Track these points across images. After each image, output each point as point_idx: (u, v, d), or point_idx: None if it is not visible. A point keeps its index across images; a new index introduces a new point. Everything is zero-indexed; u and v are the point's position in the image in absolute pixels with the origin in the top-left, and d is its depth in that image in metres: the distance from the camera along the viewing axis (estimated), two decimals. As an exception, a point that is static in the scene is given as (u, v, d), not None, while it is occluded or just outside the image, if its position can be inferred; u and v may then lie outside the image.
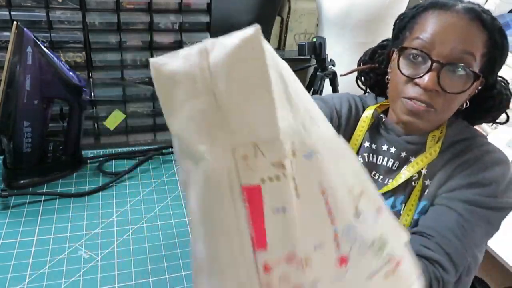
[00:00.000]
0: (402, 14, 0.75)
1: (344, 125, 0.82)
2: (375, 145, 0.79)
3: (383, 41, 0.85)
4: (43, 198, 0.90)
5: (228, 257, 0.33)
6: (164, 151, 1.11)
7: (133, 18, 1.10)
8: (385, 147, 0.78)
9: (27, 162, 0.93)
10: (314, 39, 1.40)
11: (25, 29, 0.84)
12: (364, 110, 0.83)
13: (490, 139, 0.75)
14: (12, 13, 0.99)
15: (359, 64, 0.87)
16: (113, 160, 1.06)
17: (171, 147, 1.10)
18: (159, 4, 1.11)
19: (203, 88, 0.31)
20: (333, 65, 1.52)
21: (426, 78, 0.65)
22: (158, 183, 1.00)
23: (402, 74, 0.68)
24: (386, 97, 0.82)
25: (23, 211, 0.86)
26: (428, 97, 0.66)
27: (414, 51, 0.67)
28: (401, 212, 0.73)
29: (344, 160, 0.36)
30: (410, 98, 0.67)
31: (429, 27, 0.66)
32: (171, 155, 1.11)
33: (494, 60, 0.68)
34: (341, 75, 0.97)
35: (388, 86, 0.76)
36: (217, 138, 0.31)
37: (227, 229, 0.32)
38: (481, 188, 0.67)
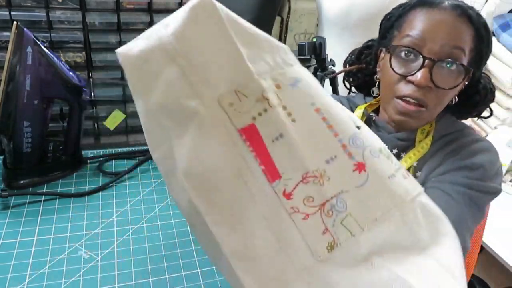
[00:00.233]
0: (389, 13, 0.76)
1: None
2: None
3: (368, 41, 0.86)
4: (43, 198, 0.90)
5: (247, 198, 0.34)
6: (164, 151, 1.11)
7: (133, 18, 1.10)
8: None
9: (27, 162, 0.93)
10: (314, 39, 1.39)
11: (25, 29, 0.84)
12: (352, 110, 0.83)
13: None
14: (12, 13, 0.99)
15: (345, 65, 0.89)
16: (113, 160, 1.06)
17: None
18: (159, 4, 1.11)
19: (173, 54, 0.33)
20: (333, 65, 1.51)
21: (419, 75, 0.65)
22: (158, 183, 1.00)
23: (395, 72, 0.69)
24: (374, 97, 0.83)
25: (23, 211, 0.86)
26: (421, 94, 0.67)
27: (406, 49, 0.67)
28: None
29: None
30: (403, 97, 0.68)
31: (418, 25, 0.67)
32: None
33: (481, 55, 0.70)
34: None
35: (377, 85, 0.77)
36: (203, 93, 0.34)
37: (238, 172, 0.34)
38: (469, 171, 0.68)
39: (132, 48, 0.35)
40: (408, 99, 0.68)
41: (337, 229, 0.35)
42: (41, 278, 0.71)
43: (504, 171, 1.34)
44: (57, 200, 0.90)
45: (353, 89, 0.90)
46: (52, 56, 0.89)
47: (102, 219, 0.86)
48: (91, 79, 1.13)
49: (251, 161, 0.34)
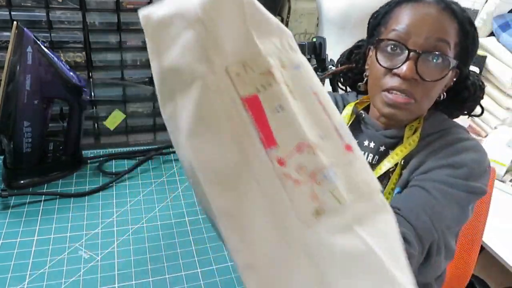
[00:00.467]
0: (375, 12, 0.78)
1: None
2: (357, 141, 0.80)
3: (358, 41, 0.87)
4: (43, 198, 0.90)
5: (242, 162, 0.36)
6: (164, 151, 1.11)
7: (133, 18, 1.10)
8: (366, 143, 0.79)
9: (27, 162, 0.93)
10: (314, 39, 1.39)
11: (25, 29, 0.84)
12: (345, 107, 0.84)
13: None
14: (12, 13, 0.99)
15: (337, 66, 0.90)
16: (113, 160, 1.06)
17: (171, 147, 1.10)
18: (159, 4, 1.11)
19: (193, 20, 0.36)
20: (333, 65, 1.52)
21: (404, 67, 0.67)
22: (158, 183, 1.00)
23: (381, 65, 0.70)
24: (366, 94, 0.84)
25: (23, 211, 0.86)
26: (407, 86, 0.68)
27: (391, 42, 0.69)
28: None
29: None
30: (390, 89, 0.69)
31: (403, 19, 0.69)
32: (171, 155, 1.11)
33: (467, 50, 0.71)
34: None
35: (364, 82, 0.78)
36: (214, 60, 0.36)
37: (237, 137, 0.36)
38: (452, 170, 0.68)
39: (154, 12, 0.37)
40: (394, 92, 0.69)
41: (326, 197, 0.36)
42: (41, 278, 0.71)
43: (504, 171, 1.34)
44: (57, 200, 0.90)
45: (348, 88, 0.92)
46: (52, 56, 0.89)
47: (102, 219, 0.86)
48: (91, 79, 1.13)
49: (249, 126, 0.36)
